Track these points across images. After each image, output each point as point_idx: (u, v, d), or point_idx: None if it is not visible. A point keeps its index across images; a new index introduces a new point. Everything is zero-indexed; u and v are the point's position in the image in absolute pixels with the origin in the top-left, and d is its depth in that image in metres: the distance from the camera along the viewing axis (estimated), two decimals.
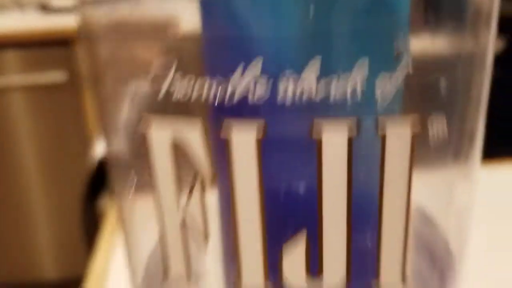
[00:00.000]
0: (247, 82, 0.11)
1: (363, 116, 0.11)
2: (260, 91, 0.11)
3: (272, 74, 0.11)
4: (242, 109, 0.11)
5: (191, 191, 0.12)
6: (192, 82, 0.11)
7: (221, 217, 0.14)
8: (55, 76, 1.28)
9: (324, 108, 0.11)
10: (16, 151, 1.35)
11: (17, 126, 1.33)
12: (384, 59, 0.11)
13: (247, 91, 0.11)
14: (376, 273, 0.14)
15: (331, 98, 0.10)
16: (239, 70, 0.11)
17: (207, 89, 0.11)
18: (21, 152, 1.35)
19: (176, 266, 0.14)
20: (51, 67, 1.28)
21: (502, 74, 0.76)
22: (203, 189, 0.12)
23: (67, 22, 1.29)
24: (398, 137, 0.11)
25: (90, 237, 0.57)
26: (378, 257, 0.14)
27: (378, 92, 0.10)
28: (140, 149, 0.12)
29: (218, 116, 0.11)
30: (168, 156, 0.12)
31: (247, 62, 0.11)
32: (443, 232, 0.17)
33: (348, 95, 0.10)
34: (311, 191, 0.12)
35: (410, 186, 0.12)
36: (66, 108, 1.32)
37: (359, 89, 0.10)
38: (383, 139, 0.11)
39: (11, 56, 1.28)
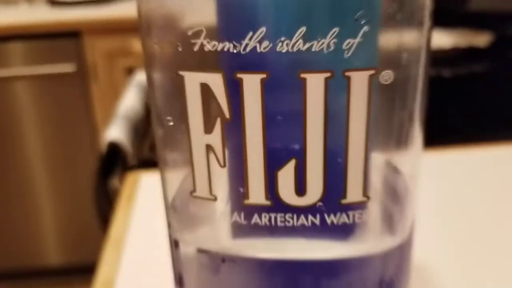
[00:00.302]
0: (254, 44, 0.16)
1: (336, 65, 0.16)
2: (263, 50, 0.16)
3: (272, 38, 0.16)
4: (251, 61, 0.16)
5: (213, 125, 0.17)
6: (215, 45, 0.16)
7: (232, 150, 0.19)
8: (64, 67, 1.31)
9: (308, 60, 0.16)
10: (25, 140, 1.38)
11: (26, 116, 1.36)
12: (350, 29, 0.16)
13: (255, 50, 0.16)
14: (344, 193, 0.19)
15: (313, 53, 0.15)
16: (248, 35, 0.16)
17: (226, 49, 0.16)
18: (29, 141, 1.38)
19: (201, 186, 0.19)
20: (60, 59, 1.31)
21: (490, 67, 0.80)
22: (222, 123, 0.17)
23: (75, 15, 1.33)
24: (358, 76, 0.16)
25: (104, 215, 0.61)
26: (345, 180, 0.18)
27: (345, 50, 0.16)
28: (175, 93, 0.17)
29: (234, 66, 0.16)
30: (197, 96, 0.17)
31: (254, 30, 0.16)
32: (403, 176, 0.23)
33: (325, 51, 0.15)
34: (299, 124, 0.17)
35: (369, 116, 0.17)
36: (74, 99, 1.35)
37: (332, 47, 0.15)
38: (348, 79, 0.16)
39: (21, 48, 1.31)
